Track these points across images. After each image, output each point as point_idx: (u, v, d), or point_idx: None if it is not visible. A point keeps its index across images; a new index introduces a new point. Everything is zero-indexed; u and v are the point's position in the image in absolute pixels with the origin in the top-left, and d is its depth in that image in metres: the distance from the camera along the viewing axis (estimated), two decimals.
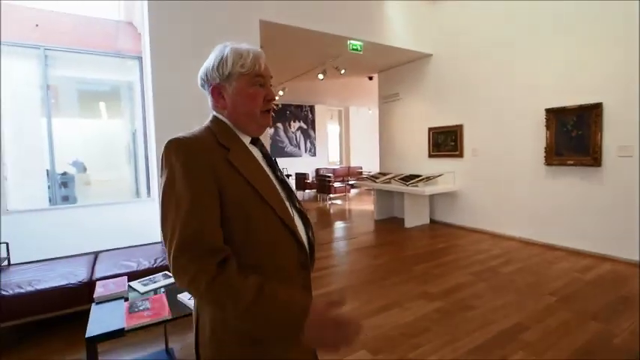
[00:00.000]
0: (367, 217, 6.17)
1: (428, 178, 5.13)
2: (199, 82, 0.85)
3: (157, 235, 3.36)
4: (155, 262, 2.57)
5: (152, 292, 1.91)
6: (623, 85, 3.39)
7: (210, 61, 0.82)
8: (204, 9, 3.49)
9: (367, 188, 6.06)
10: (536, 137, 4.15)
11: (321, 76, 5.71)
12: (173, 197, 0.68)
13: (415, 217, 5.32)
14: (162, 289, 1.94)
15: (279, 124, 10.36)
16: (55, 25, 5.46)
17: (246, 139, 0.84)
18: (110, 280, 2.06)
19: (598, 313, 2.41)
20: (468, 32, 4.91)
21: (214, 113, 0.84)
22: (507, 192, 4.53)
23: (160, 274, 2.17)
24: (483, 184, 4.85)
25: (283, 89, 7.23)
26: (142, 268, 2.48)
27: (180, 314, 1.67)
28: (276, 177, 0.85)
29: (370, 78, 6.95)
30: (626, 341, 2.07)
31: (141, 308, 1.71)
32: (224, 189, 0.70)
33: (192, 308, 1.67)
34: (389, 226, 5.46)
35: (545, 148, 4.04)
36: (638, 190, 3.35)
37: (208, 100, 0.85)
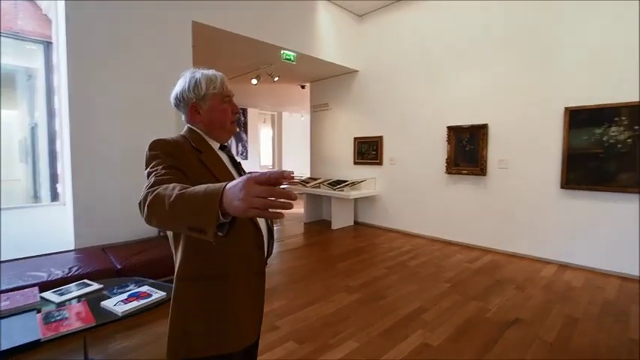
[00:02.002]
0: (298, 220, 6.42)
1: (353, 184, 5.59)
2: (173, 102, 1.06)
3: (68, 243, 3.06)
4: (70, 271, 2.38)
5: (69, 302, 1.83)
6: (504, 109, 4.23)
7: (182, 85, 1.02)
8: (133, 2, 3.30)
9: (298, 192, 6.29)
10: (440, 150, 4.88)
11: (254, 81, 5.78)
12: (152, 170, 0.86)
13: (341, 220, 5.74)
14: (83, 298, 1.87)
15: None
16: None
17: (215, 145, 1.06)
18: (17, 292, 1.90)
19: (478, 294, 3.01)
20: (387, 55, 5.52)
21: (188, 125, 1.06)
22: (417, 196, 5.22)
23: (76, 283, 2.06)
24: (398, 189, 5.49)
25: None
26: (55, 278, 2.29)
27: (105, 321, 1.65)
28: (240, 175, 1.10)
29: (302, 87, 7.24)
30: (495, 314, 2.64)
31: (58, 318, 1.64)
32: (192, 175, 0.90)
33: (121, 314, 1.69)
34: (317, 228, 5.78)
35: (447, 160, 4.78)
36: (511, 196, 4.22)
37: (182, 116, 1.07)
